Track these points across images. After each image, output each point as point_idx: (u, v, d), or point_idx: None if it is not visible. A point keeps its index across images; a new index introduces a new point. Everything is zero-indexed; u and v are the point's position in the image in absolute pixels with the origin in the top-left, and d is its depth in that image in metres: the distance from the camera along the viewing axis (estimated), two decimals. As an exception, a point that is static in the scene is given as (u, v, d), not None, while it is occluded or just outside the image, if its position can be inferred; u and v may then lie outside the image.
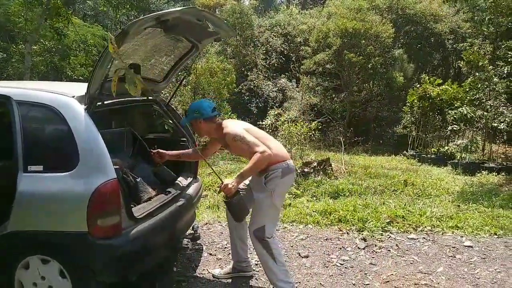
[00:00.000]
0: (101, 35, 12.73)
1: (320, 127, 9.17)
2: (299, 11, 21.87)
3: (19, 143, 2.52)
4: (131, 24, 2.45)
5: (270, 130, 12.19)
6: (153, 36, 3.03)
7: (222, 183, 2.77)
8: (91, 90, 2.58)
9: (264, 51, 17.74)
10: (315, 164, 6.58)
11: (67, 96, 2.62)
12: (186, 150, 3.43)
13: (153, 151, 3.33)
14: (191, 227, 3.70)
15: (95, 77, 2.55)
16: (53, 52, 12.23)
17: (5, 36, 11.56)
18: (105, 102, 2.86)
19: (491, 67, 8.85)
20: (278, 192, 2.85)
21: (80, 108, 2.56)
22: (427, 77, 11.02)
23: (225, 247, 3.84)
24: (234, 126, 2.90)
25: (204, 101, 3.08)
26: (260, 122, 13.02)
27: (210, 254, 3.69)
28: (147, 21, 2.54)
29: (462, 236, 4.04)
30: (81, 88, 2.70)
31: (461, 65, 10.13)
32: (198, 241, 3.86)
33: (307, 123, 8.43)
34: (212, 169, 3.51)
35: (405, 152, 10.61)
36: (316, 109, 14.92)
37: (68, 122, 2.51)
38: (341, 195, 5.51)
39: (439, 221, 4.41)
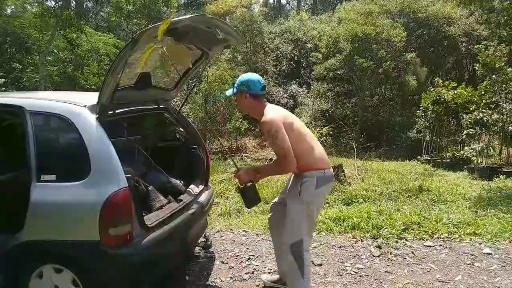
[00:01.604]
0: (112, 43, 12.91)
1: (331, 132, 9.09)
2: (309, 17, 21.90)
3: (32, 152, 2.55)
4: (141, 33, 2.46)
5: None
6: (163, 44, 3.04)
7: (238, 170, 2.69)
8: (102, 99, 2.59)
9: (275, 58, 17.75)
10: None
11: (78, 105, 2.65)
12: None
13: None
14: (203, 235, 3.68)
15: (106, 86, 2.56)
16: (66, 62, 12.45)
17: (20, 47, 11.80)
18: (117, 111, 2.88)
19: (510, 69, 8.68)
20: (314, 204, 2.64)
21: (92, 118, 2.57)
22: (441, 81, 10.86)
23: (237, 255, 3.80)
24: (274, 116, 2.57)
25: (255, 75, 2.80)
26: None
27: (222, 262, 3.66)
28: (157, 29, 2.54)
29: (480, 243, 3.93)
30: (92, 98, 2.72)
31: (476, 68, 9.95)
32: (210, 249, 3.83)
33: (318, 129, 8.35)
34: (229, 155, 3.49)
35: (419, 157, 10.44)
36: (327, 114, 14.84)
37: (80, 132, 2.53)
38: (354, 202, 5.43)
39: (456, 227, 4.30)
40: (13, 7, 12.25)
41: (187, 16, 2.63)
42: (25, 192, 2.51)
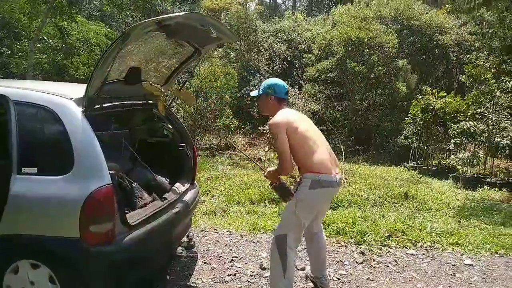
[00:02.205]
0: (104, 33, 12.69)
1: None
2: (304, 18, 21.91)
3: (14, 144, 2.48)
4: (132, 27, 2.42)
5: (270, 136, 12.17)
6: (155, 39, 2.99)
7: (264, 172, 2.92)
8: (89, 93, 2.53)
9: (268, 57, 17.72)
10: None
11: (65, 97, 2.58)
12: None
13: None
14: (186, 235, 3.64)
15: (94, 80, 2.50)
16: (56, 50, 12.20)
17: (9, 33, 11.53)
18: (104, 105, 2.83)
19: (493, 80, 8.81)
20: (304, 204, 2.71)
21: (78, 111, 2.52)
22: (429, 89, 10.98)
23: (220, 256, 3.77)
24: (278, 120, 2.74)
25: (280, 80, 3.04)
26: (261, 128, 12.98)
27: (205, 263, 3.62)
28: (149, 24, 2.50)
29: (462, 254, 3.96)
30: (80, 90, 2.65)
31: (463, 79, 10.10)
32: (193, 249, 3.79)
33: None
34: (252, 161, 3.48)
35: (405, 163, 10.54)
36: (317, 116, 14.88)
37: (65, 125, 2.47)
38: (340, 206, 5.44)
39: (439, 237, 4.33)
40: (3, -10, 11.95)
41: (181, 13, 2.58)
42: (5, 185, 2.44)
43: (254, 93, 3.07)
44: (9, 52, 11.05)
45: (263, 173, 2.94)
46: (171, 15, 2.56)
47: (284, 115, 2.78)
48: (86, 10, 15.50)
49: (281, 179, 2.88)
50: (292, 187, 2.89)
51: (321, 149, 2.77)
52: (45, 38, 11.58)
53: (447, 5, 11.25)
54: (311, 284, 3.26)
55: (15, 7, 10.79)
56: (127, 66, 3.07)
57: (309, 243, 3.11)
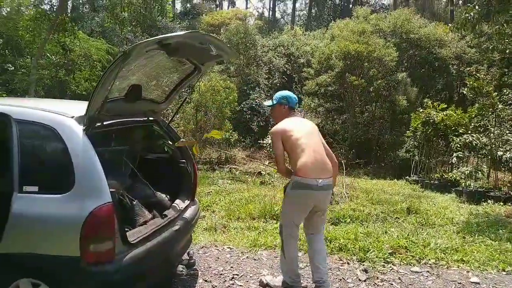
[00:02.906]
0: (105, 49, 12.83)
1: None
2: (302, 32, 22.14)
3: (15, 162, 2.47)
4: (133, 47, 2.43)
5: (271, 149, 12.16)
6: (155, 57, 3.01)
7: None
8: (90, 111, 2.54)
9: (267, 71, 17.85)
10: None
11: (66, 116, 2.58)
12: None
13: None
14: (186, 253, 3.60)
15: (95, 98, 2.51)
16: (59, 66, 12.32)
17: (13, 50, 11.66)
18: (105, 123, 2.83)
19: (495, 93, 8.83)
20: (288, 200, 3.19)
21: (79, 129, 2.51)
22: (430, 102, 11.00)
23: (221, 274, 3.72)
24: (276, 128, 3.22)
25: (291, 92, 3.47)
26: (261, 141, 12.99)
27: (206, 281, 3.57)
28: (149, 44, 2.52)
29: (468, 271, 3.88)
30: (81, 108, 2.66)
31: (465, 92, 10.13)
32: (193, 267, 3.74)
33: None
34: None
35: (407, 177, 10.50)
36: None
37: (66, 143, 2.46)
38: (342, 222, 5.39)
39: (443, 253, 4.26)
40: (8, 8, 12.13)
41: (181, 33, 2.61)
42: (6, 203, 2.42)
43: (268, 103, 3.50)
44: (12, 68, 11.16)
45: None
46: (172, 34, 2.58)
47: (284, 124, 3.23)
48: (87, 26, 15.71)
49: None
50: None
51: (307, 156, 3.06)
52: (48, 54, 11.70)
53: (449, 25, 11.36)
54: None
55: (18, 25, 10.93)
56: (128, 83, 3.08)
57: (308, 244, 3.39)
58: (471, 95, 9.98)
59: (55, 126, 2.52)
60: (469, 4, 7.19)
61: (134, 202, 3.07)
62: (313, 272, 3.24)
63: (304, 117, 14.69)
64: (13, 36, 11.41)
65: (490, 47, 9.89)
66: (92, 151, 2.46)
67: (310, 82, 15.26)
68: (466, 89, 9.82)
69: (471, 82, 9.45)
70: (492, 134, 8.51)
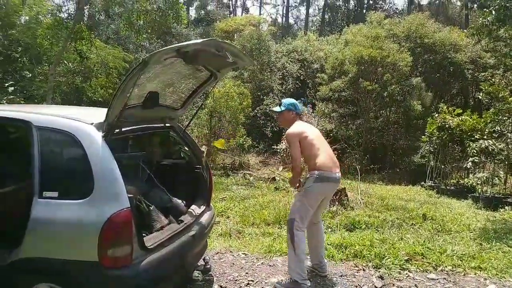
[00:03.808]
0: (121, 57, 13.04)
1: (336, 155, 9.06)
2: (316, 38, 22.12)
3: (36, 168, 2.52)
4: (151, 55, 2.48)
5: (284, 155, 12.15)
6: (173, 65, 3.06)
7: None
8: (109, 118, 2.59)
9: (281, 76, 17.88)
10: (332, 192, 6.44)
11: (85, 123, 2.64)
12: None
13: None
14: (202, 258, 3.62)
15: (114, 105, 2.56)
16: (75, 74, 12.57)
17: (31, 57, 11.95)
18: (123, 129, 2.88)
19: (511, 98, 8.68)
20: (308, 192, 3.41)
21: (98, 136, 2.56)
22: (445, 107, 10.87)
23: (236, 279, 3.73)
24: (293, 131, 3.49)
25: (295, 101, 3.77)
26: (275, 146, 13.00)
27: (221, 287, 3.59)
28: (167, 52, 2.56)
29: (485, 279, 3.81)
30: (100, 114, 2.71)
31: (480, 97, 9.98)
32: (209, 272, 3.76)
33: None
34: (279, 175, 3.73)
35: (423, 182, 10.36)
36: (331, 135, 14.84)
37: (85, 149, 2.51)
38: (357, 228, 5.35)
39: (460, 260, 4.19)
40: (27, 17, 12.45)
41: (198, 41, 2.64)
42: (27, 208, 2.48)
43: (277, 109, 3.73)
44: (30, 75, 11.42)
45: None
46: (190, 42, 2.62)
47: (298, 127, 3.54)
48: (103, 34, 16.01)
49: (301, 181, 3.58)
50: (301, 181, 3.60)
51: (324, 153, 3.49)
52: (65, 61, 11.95)
53: (464, 30, 11.26)
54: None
55: (37, 33, 11.21)
56: (145, 90, 3.13)
57: (310, 234, 3.70)
58: (486, 100, 9.83)
59: (75, 133, 2.57)
60: (485, 9, 7.10)
61: (151, 208, 3.11)
62: (317, 257, 3.75)
63: (318, 123, 14.74)
64: (31, 44, 11.70)
65: (505, 52, 9.74)
66: (111, 157, 2.50)
67: (324, 88, 15.24)
68: (481, 94, 9.67)
69: (486, 87, 9.32)
70: (509, 140, 8.35)
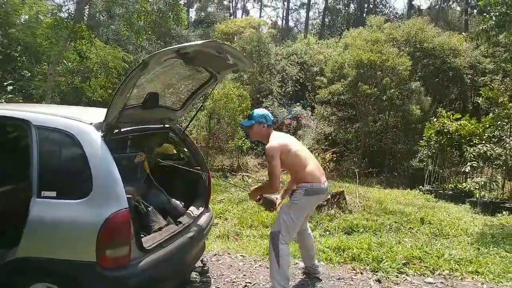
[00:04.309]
0: (121, 57, 13.03)
1: (335, 158, 9.09)
2: (316, 41, 22.18)
3: (35, 167, 2.51)
4: (152, 56, 2.48)
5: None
6: (173, 66, 3.06)
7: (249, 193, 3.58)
8: (109, 118, 2.59)
9: (280, 79, 17.91)
10: (329, 196, 6.45)
11: (85, 123, 2.63)
12: (287, 187, 3.74)
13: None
14: (200, 260, 3.62)
15: (114, 105, 2.56)
16: (75, 73, 12.56)
17: (31, 56, 11.93)
18: (122, 130, 2.88)
19: (511, 104, 8.71)
20: (296, 205, 3.25)
21: (97, 136, 2.56)
22: (444, 111, 10.90)
23: (234, 281, 3.73)
24: (274, 145, 3.22)
25: (266, 110, 3.55)
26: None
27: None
28: (167, 53, 2.56)
29: (483, 283, 3.81)
30: (99, 115, 2.71)
31: (479, 101, 10.02)
32: (206, 274, 3.75)
33: (321, 153, 8.34)
34: (237, 185, 3.69)
35: (421, 186, 10.38)
36: (330, 138, 14.86)
37: (84, 149, 2.51)
38: (355, 231, 5.35)
39: (458, 264, 4.19)
40: (26, 16, 12.44)
41: (199, 42, 2.64)
42: (25, 207, 2.47)
43: (247, 123, 3.43)
44: (29, 74, 11.39)
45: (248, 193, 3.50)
46: (190, 43, 2.62)
47: (279, 140, 3.30)
48: (103, 34, 16.01)
49: (261, 196, 3.48)
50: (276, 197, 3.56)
51: (311, 164, 3.34)
52: (65, 61, 11.94)
53: (463, 33, 11.32)
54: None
55: (37, 32, 11.19)
56: (145, 91, 3.13)
57: (300, 239, 3.67)
58: (485, 105, 9.87)
59: (74, 132, 2.57)
60: (485, 14, 7.13)
61: (150, 209, 3.11)
62: (309, 259, 3.75)
63: (317, 125, 14.76)
64: (31, 43, 11.68)
65: (504, 57, 9.80)
66: (110, 157, 2.50)
67: (323, 91, 15.27)
68: (480, 99, 9.71)
69: (486, 92, 9.35)
70: (507, 145, 8.37)
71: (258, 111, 3.45)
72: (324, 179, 3.37)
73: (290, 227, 3.26)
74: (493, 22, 6.73)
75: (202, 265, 3.68)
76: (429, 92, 15.69)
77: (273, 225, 3.40)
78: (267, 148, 3.22)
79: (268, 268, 4.01)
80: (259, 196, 3.50)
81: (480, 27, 7.07)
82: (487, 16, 6.97)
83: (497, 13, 6.66)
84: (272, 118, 3.44)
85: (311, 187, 3.23)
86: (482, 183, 8.53)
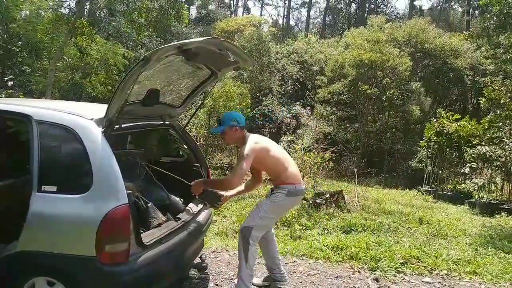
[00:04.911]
0: (121, 53, 13.02)
1: (334, 158, 9.10)
2: (316, 40, 22.15)
3: (35, 162, 2.51)
4: (153, 52, 2.48)
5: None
6: (174, 63, 3.06)
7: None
8: (109, 114, 2.59)
9: (280, 78, 17.90)
10: (328, 195, 6.46)
11: (85, 118, 2.63)
12: (240, 188, 3.51)
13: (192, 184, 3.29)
14: (198, 256, 3.62)
15: (114, 101, 2.56)
16: (75, 69, 12.55)
17: (31, 52, 11.92)
18: (123, 125, 2.88)
19: (512, 105, 8.72)
20: (277, 205, 3.19)
21: (98, 131, 2.56)
22: (444, 112, 10.92)
23: (232, 278, 3.73)
24: (252, 146, 3.10)
25: (238, 112, 3.45)
26: (273, 148, 13.00)
27: (216, 285, 3.59)
28: (169, 49, 2.56)
29: (480, 284, 3.83)
30: (100, 110, 2.71)
31: (481, 102, 10.02)
32: (205, 271, 3.76)
33: (320, 153, 8.36)
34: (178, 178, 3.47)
35: (420, 187, 10.40)
36: (330, 137, 14.87)
37: (85, 145, 2.50)
38: (353, 230, 5.36)
39: (456, 264, 4.21)
40: (27, 12, 12.43)
41: (200, 38, 2.64)
42: (25, 201, 2.48)
43: (218, 129, 3.30)
44: (30, 70, 11.39)
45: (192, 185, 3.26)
46: (192, 40, 2.62)
47: (257, 142, 3.17)
48: (104, 30, 15.99)
49: (204, 190, 3.24)
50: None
51: (292, 165, 3.30)
52: (65, 57, 11.93)
53: (464, 32, 11.31)
54: None
55: (38, 27, 11.18)
56: (146, 88, 3.14)
57: (265, 243, 3.40)
58: (487, 106, 9.88)
59: (75, 128, 2.56)
60: (486, 14, 7.13)
61: (149, 205, 3.11)
62: (274, 267, 3.45)
63: (316, 125, 14.76)
64: (32, 38, 11.67)
65: (502, 58, 9.80)
66: (110, 153, 2.50)
67: (323, 90, 15.27)
68: (483, 99, 9.72)
69: (488, 93, 9.36)
70: (507, 146, 8.39)
71: (227, 114, 3.33)
72: (302, 181, 3.34)
73: (264, 225, 3.22)
74: (493, 22, 6.72)
75: (200, 261, 3.69)
76: (429, 93, 15.71)
77: (245, 219, 3.28)
78: (245, 148, 3.08)
79: (265, 266, 4.03)
80: (203, 189, 3.25)
81: (480, 26, 7.07)
82: (488, 15, 6.97)
83: (497, 13, 6.65)
84: (243, 118, 3.30)
85: (294, 188, 3.18)
86: (481, 184, 8.55)
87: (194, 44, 2.66)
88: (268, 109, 16.17)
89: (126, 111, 2.76)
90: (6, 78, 9.53)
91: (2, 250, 2.54)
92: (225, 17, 30.58)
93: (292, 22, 43.44)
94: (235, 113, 3.36)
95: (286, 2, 41.63)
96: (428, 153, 10.94)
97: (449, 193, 9.42)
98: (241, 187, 3.51)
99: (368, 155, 14.71)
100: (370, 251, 4.40)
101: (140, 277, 2.52)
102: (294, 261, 4.18)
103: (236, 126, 3.20)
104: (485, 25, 6.84)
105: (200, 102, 6.96)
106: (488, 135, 9.02)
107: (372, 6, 34.51)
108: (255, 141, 3.15)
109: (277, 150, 3.30)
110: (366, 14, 30.62)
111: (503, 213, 7.28)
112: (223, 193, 3.33)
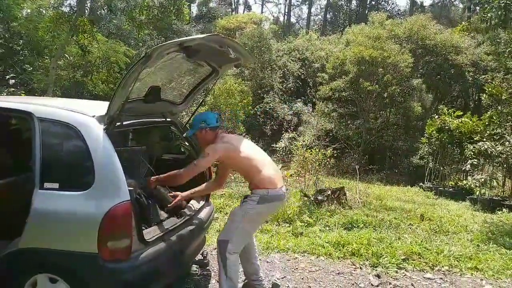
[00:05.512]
0: (122, 51, 13.03)
1: (336, 154, 9.10)
2: (317, 37, 22.11)
3: (37, 159, 2.52)
4: (154, 49, 2.48)
5: (284, 154, 12.17)
6: (175, 60, 3.07)
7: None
8: (111, 111, 2.59)
9: (281, 75, 17.88)
10: (329, 192, 6.47)
11: (87, 115, 2.64)
12: (198, 188, 3.36)
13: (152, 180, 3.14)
14: (200, 253, 3.64)
15: (116, 98, 2.56)
16: (76, 67, 12.56)
17: (32, 50, 11.93)
18: (124, 123, 2.89)
19: (513, 101, 8.72)
20: (249, 215, 2.96)
21: (99, 128, 2.57)
22: (445, 108, 10.90)
23: (234, 275, 3.74)
24: (219, 145, 2.99)
25: (209, 112, 3.25)
26: (274, 145, 13.01)
27: (218, 282, 3.59)
28: (171, 46, 2.57)
29: (482, 279, 3.84)
30: (102, 108, 2.72)
31: (483, 98, 10.01)
32: (207, 267, 3.78)
33: (322, 149, 8.36)
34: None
35: (421, 184, 10.40)
36: (331, 134, 14.87)
37: (87, 142, 2.51)
38: (355, 227, 5.37)
39: (457, 260, 4.22)
40: (29, 10, 12.44)
41: (201, 35, 2.65)
42: (28, 199, 2.49)
43: (189, 133, 3.20)
44: (31, 68, 11.41)
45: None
46: (193, 37, 2.62)
47: (225, 142, 3.02)
48: (105, 28, 15.99)
49: (159, 187, 3.12)
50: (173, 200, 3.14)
51: (267, 167, 3.05)
52: (66, 55, 11.94)
53: (463, 23, 11.27)
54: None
55: (39, 26, 11.19)
56: (147, 85, 3.15)
57: (243, 249, 3.17)
58: (488, 102, 9.86)
59: (77, 125, 2.57)
60: (487, 5, 7.07)
61: (150, 201, 3.12)
62: (252, 272, 3.27)
63: (318, 122, 14.75)
64: (33, 37, 11.68)
65: (507, 51, 9.76)
66: (112, 150, 2.51)
67: (324, 87, 15.25)
68: (484, 95, 9.70)
69: (490, 89, 9.33)
70: (507, 143, 8.38)
71: (198, 116, 3.18)
72: (281, 185, 3.07)
73: (242, 237, 3.02)
74: (494, 15, 6.65)
75: (202, 258, 3.71)
76: (430, 90, 15.67)
77: (222, 231, 3.08)
78: (209, 147, 2.97)
79: (267, 262, 4.06)
80: (155, 186, 3.12)
81: (480, 15, 7.00)
82: (488, 7, 6.91)
83: (497, 6, 6.59)
84: (214, 118, 3.10)
85: (267, 193, 2.94)
86: (483, 180, 8.54)
87: (195, 41, 2.66)
88: (270, 106, 16.17)
89: (127, 109, 2.76)
90: (7, 77, 9.55)
91: (5, 247, 2.55)
92: (226, 14, 30.50)
93: (293, 19, 43.32)
94: (206, 114, 3.20)
95: (287, -1, 41.51)
96: (430, 149, 10.93)
97: (451, 189, 9.42)
98: (201, 187, 3.37)
99: (369, 152, 14.71)
100: (371, 247, 4.41)
101: (142, 274, 2.53)
102: (296, 258, 4.19)
103: (205, 128, 3.06)
104: (485, 16, 6.77)
105: (201, 100, 6.95)
106: (489, 131, 9.01)
107: (373, 2, 34.42)
108: (223, 141, 3.03)
109: (250, 151, 3.07)
110: (367, 11, 30.53)
111: (504, 209, 7.27)
112: (179, 193, 3.22)
